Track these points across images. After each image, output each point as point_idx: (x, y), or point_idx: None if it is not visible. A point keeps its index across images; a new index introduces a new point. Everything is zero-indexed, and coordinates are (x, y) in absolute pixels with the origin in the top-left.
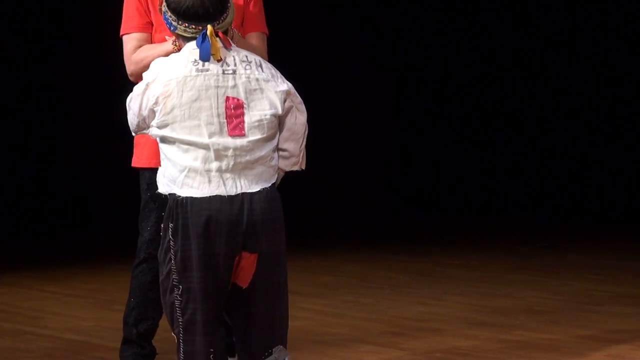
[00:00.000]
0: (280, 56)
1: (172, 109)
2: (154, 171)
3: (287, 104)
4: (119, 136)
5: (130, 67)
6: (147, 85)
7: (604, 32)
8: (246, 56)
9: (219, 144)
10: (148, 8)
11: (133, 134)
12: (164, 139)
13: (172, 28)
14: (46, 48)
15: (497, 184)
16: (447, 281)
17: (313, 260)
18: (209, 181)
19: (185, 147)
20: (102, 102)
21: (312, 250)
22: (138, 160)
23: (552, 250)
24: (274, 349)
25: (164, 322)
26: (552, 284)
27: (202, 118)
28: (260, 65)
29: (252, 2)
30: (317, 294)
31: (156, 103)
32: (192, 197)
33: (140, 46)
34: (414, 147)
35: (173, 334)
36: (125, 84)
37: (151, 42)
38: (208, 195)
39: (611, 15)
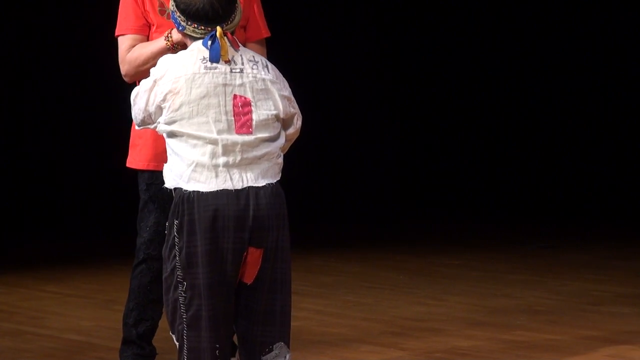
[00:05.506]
0: (285, 55)
1: (180, 106)
2: (153, 173)
3: (290, 110)
4: (117, 137)
5: (124, 67)
6: (155, 81)
7: (605, 32)
8: (253, 56)
9: (227, 140)
10: (145, 9)
11: (137, 127)
12: (172, 134)
13: (180, 28)
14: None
15: (497, 184)
16: (447, 281)
17: (313, 260)
18: (216, 176)
19: (194, 142)
20: (105, 102)
21: (312, 250)
22: (136, 162)
23: (552, 250)
24: (274, 346)
25: (163, 322)
26: (552, 284)
27: (210, 115)
28: (267, 66)
29: (255, 5)
30: (317, 294)
31: (164, 100)
32: (198, 191)
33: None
34: (414, 148)
35: (171, 334)
36: (123, 84)
37: None
38: (215, 189)
39: (611, 15)
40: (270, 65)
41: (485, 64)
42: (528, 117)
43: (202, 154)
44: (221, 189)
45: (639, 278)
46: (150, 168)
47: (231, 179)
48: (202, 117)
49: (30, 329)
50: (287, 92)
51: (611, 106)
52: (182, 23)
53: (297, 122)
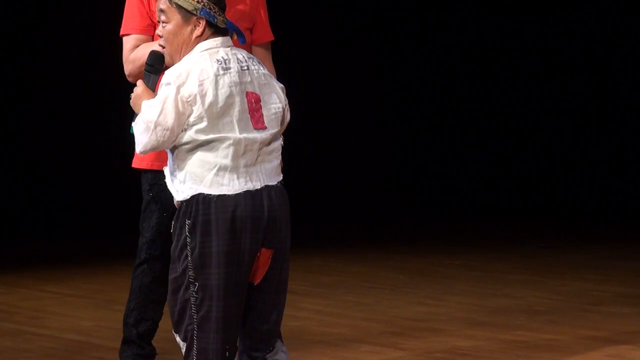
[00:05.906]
0: (285, 56)
1: (209, 107)
2: (156, 173)
3: (285, 103)
4: (117, 137)
5: (127, 67)
6: (177, 88)
7: (605, 32)
8: (246, 53)
9: (248, 139)
10: (150, 9)
11: (144, 152)
12: (194, 141)
13: (215, 20)
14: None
15: (497, 184)
16: (447, 281)
17: (313, 260)
18: (238, 177)
19: (217, 144)
20: (105, 102)
21: (312, 250)
22: (140, 161)
23: (552, 250)
24: (275, 344)
25: (164, 323)
26: (552, 284)
27: (233, 114)
28: (260, 63)
29: (261, 9)
30: (317, 294)
31: (194, 102)
32: (221, 194)
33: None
34: (414, 148)
35: (174, 334)
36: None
37: None
38: (238, 191)
39: (611, 15)
40: (261, 62)
41: (486, 64)
42: (528, 117)
43: (225, 156)
44: (244, 190)
45: (639, 278)
46: (154, 168)
47: (251, 179)
48: (227, 117)
49: (30, 329)
50: (282, 85)
51: (611, 106)
52: (217, 15)
53: (288, 115)
